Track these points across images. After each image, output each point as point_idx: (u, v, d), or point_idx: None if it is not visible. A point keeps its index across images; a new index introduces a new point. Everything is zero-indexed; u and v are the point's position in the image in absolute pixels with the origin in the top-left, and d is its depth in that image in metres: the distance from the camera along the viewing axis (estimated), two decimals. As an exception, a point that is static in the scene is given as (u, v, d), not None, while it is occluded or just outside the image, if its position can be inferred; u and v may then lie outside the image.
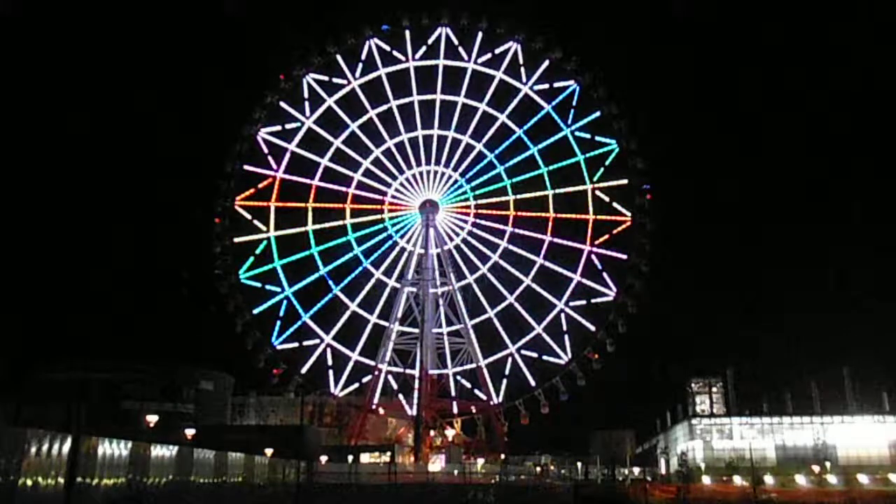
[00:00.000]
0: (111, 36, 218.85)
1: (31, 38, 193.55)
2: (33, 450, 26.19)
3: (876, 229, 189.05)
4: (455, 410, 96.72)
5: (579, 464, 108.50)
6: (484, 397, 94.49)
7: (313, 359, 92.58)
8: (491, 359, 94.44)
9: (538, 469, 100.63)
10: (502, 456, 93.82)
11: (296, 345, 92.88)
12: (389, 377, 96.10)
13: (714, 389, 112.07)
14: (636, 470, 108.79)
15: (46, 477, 26.77)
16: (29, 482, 25.90)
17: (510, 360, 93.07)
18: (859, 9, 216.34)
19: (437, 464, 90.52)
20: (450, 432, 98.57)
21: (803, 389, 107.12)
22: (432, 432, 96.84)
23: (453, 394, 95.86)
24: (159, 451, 36.89)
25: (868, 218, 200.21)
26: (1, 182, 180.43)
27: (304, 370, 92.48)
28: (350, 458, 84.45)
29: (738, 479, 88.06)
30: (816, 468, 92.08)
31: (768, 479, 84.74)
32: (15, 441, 25.86)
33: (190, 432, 49.52)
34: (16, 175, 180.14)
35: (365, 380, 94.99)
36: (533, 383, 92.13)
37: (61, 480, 27.31)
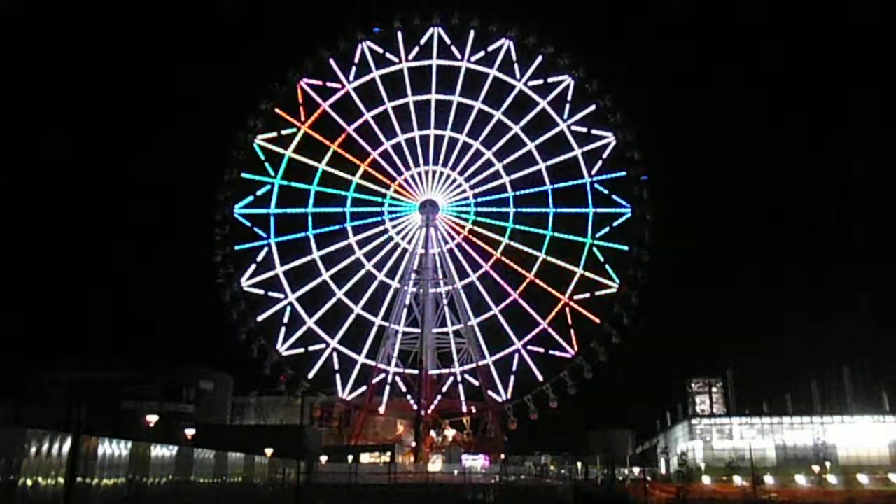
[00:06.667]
0: (109, 39, 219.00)
1: (31, 39, 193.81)
2: (33, 450, 26.19)
3: (876, 229, 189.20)
4: (463, 409, 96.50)
5: (579, 464, 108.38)
6: (492, 396, 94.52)
7: (320, 363, 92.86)
8: (498, 356, 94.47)
9: (538, 469, 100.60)
10: (502, 456, 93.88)
11: (301, 350, 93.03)
12: (397, 378, 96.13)
13: (714, 389, 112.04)
14: (636, 470, 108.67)
15: (46, 477, 26.76)
16: (29, 482, 25.89)
17: (517, 356, 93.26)
18: (860, 9, 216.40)
19: (437, 464, 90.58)
20: (450, 432, 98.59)
21: (803, 389, 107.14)
22: (432, 432, 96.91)
23: (461, 393, 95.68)
24: (159, 451, 36.89)
25: (869, 217, 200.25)
26: (2, 184, 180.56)
27: (310, 375, 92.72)
28: (350, 458, 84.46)
29: (738, 479, 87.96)
30: (816, 468, 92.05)
31: (768, 479, 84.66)
32: (15, 441, 25.86)
33: (190, 432, 49.53)
34: (16, 177, 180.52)
35: (374, 381, 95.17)
36: (541, 379, 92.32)
37: (61, 480, 27.31)
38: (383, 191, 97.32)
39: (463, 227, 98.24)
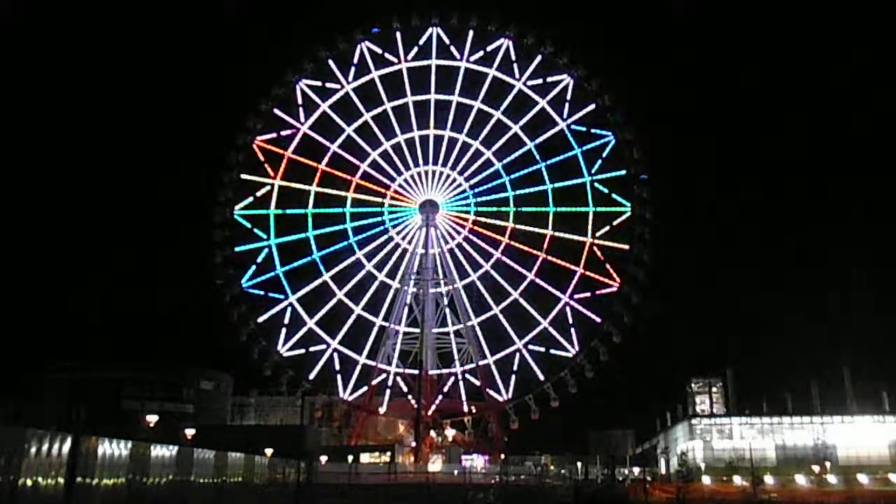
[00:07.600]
0: (109, 40, 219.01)
1: (31, 43, 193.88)
2: (33, 450, 26.21)
3: (876, 229, 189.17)
4: (464, 409, 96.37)
5: (579, 464, 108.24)
6: (493, 395, 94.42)
7: (320, 364, 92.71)
8: (499, 355, 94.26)
9: (538, 469, 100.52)
10: (502, 456, 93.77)
11: (302, 351, 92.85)
12: (398, 378, 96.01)
13: (714, 389, 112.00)
14: (636, 470, 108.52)
15: (46, 477, 26.80)
16: (29, 482, 25.92)
17: (518, 355, 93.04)
18: (858, 8, 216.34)
19: (437, 464, 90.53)
20: (450, 432, 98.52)
21: (803, 389, 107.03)
22: (433, 432, 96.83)
23: (462, 393, 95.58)
24: (159, 451, 36.92)
25: (868, 217, 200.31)
26: (2, 185, 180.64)
27: (311, 375, 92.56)
28: (350, 458, 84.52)
29: (738, 479, 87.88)
30: (816, 468, 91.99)
31: (768, 479, 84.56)
32: (15, 441, 25.88)
33: (190, 432, 49.57)
34: (17, 178, 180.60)
35: (375, 382, 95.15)
36: (542, 378, 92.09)
37: (61, 480, 27.34)
38: (384, 191, 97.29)
39: (464, 224, 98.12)
